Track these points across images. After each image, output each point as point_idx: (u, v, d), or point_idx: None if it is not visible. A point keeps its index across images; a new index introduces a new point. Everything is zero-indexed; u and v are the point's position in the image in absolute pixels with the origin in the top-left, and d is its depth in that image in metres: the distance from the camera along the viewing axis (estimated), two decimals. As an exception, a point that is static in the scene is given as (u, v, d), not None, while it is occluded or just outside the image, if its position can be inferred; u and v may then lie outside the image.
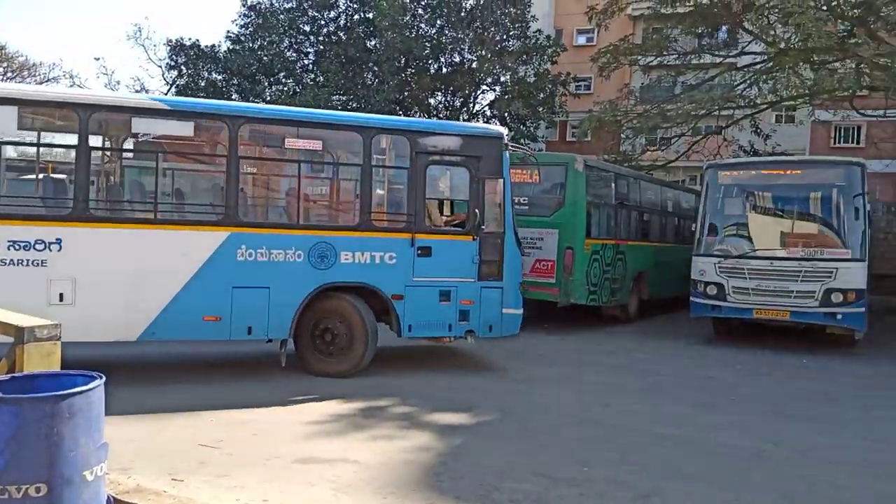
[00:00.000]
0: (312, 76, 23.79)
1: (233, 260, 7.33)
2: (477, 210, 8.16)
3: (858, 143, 28.43)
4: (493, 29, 21.52)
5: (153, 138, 8.00)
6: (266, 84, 23.61)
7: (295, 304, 7.56)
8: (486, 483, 4.73)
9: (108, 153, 8.25)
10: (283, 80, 24.14)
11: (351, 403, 6.78)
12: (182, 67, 24.20)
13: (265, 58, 23.39)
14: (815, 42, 12.95)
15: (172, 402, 6.51)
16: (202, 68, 23.89)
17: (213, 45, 24.13)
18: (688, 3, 17.02)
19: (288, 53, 24.22)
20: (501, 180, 8.30)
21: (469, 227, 8.25)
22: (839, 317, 10.27)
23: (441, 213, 9.00)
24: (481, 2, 21.71)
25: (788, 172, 11.53)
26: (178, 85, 24.14)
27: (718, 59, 19.19)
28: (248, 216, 7.84)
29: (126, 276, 7.02)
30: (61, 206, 7.13)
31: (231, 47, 24.03)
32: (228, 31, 25.35)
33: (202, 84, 23.24)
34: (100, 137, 8.04)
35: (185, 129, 7.61)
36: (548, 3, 31.41)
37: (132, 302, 7.04)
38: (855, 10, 14.79)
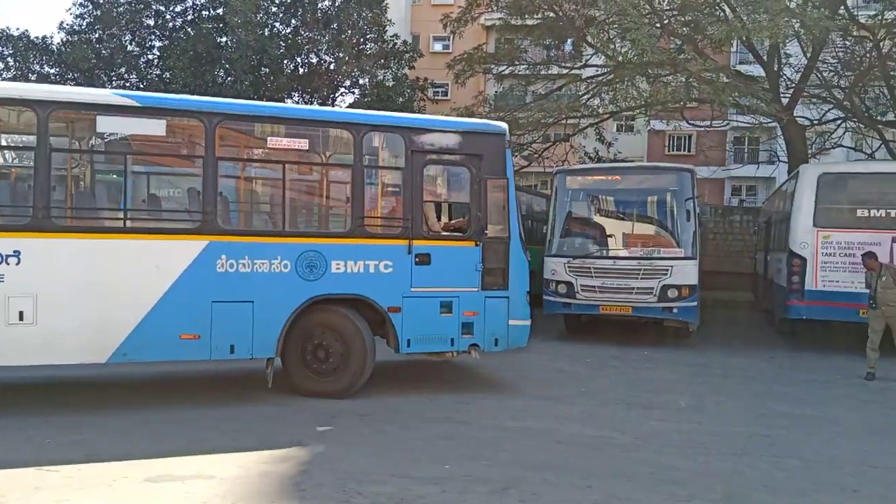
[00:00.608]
0: (158, 72, 22.51)
1: (212, 271, 6.70)
2: (479, 213, 7.57)
3: (689, 150, 30.99)
4: (350, 31, 21.38)
5: (121, 138, 7.27)
6: (105, 79, 22.05)
7: (282, 318, 6.95)
8: (348, 488, 4.69)
9: (71, 155, 7.50)
10: (125, 75, 22.66)
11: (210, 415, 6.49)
12: (9, 59, 22.08)
13: (104, 51, 21.85)
14: (650, 57, 13.97)
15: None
16: (33, 61, 21.91)
17: (44, 37, 22.22)
18: (536, 17, 17.81)
19: (130, 47, 22.76)
20: (505, 180, 7.71)
21: (471, 231, 7.64)
22: (675, 311, 11.12)
23: (440, 217, 8.28)
24: (337, 3, 21.52)
25: (628, 178, 12.36)
26: (3, 79, 21.99)
27: (565, 71, 20.21)
28: (228, 223, 7.28)
29: (93, 291, 6.38)
30: (19, 214, 6.41)
31: (66, 39, 22.23)
32: (62, 22, 23.42)
33: (33, 78, 21.28)
34: (61, 138, 7.28)
35: (156, 127, 6.90)
36: (404, 9, 31.70)
37: (101, 320, 6.39)
38: (684, 29, 16.10)
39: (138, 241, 6.61)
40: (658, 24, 15.65)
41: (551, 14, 17.19)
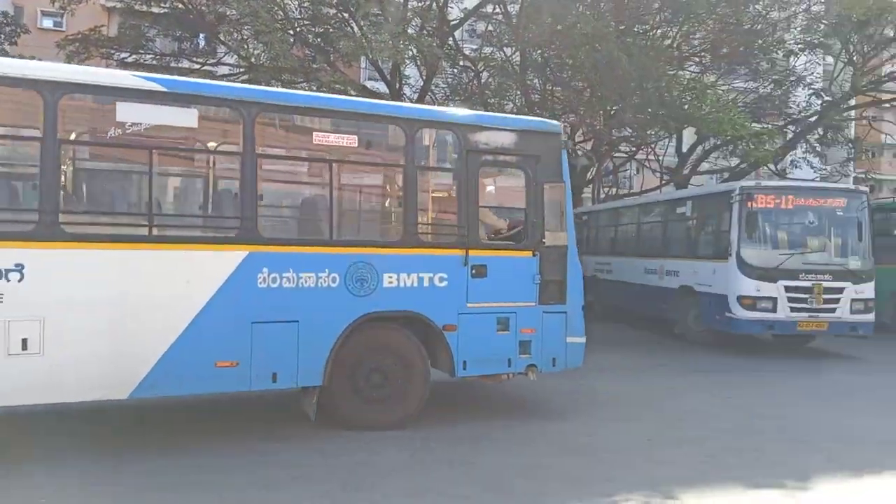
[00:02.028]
0: None
1: (252, 287, 5.84)
2: (536, 219, 6.97)
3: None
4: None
5: (145, 130, 6.13)
6: None
7: (330, 340, 6.15)
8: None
9: (85, 150, 6.52)
10: None
11: None
12: None
13: None
14: (283, 62, 14.19)
15: None
16: None
17: None
18: (164, 5, 16.82)
19: None
20: (563, 184, 7.09)
21: (528, 240, 6.97)
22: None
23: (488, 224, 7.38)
24: None
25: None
26: None
27: (197, 66, 19.43)
28: (270, 231, 6.40)
29: (113, 312, 5.40)
30: (21, 219, 5.39)
31: None
32: None
33: None
34: (73, 128, 6.08)
35: (186, 118, 5.96)
36: (4, -26, 27.22)
37: (122, 347, 5.42)
38: (317, 39, 16.70)
39: (166, 252, 5.68)
40: (291, 31, 15.99)
41: (180, 5, 16.38)
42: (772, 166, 21.74)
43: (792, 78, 19.22)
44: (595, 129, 16.49)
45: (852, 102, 21.21)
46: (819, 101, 20.37)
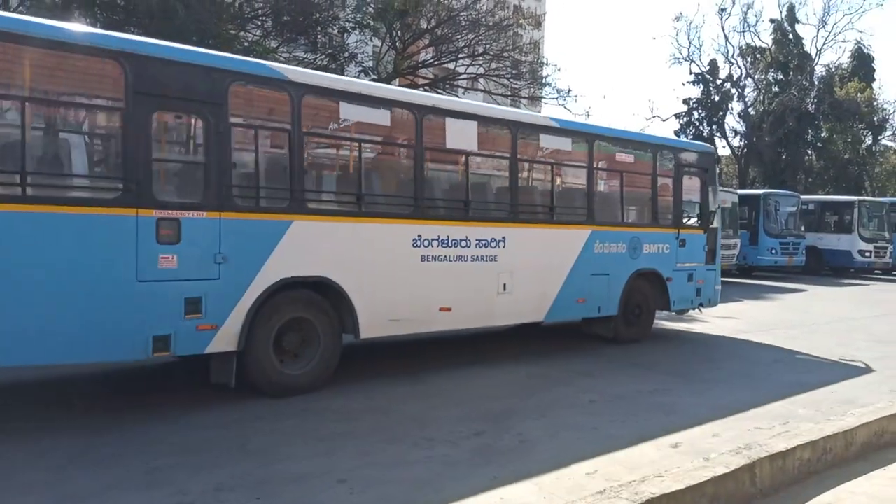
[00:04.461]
0: None
1: (592, 252, 9.21)
2: (706, 211, 10.86)
3: None
4: None
5: (549, 152, 9.50)
6: None
7: (621, 287, 9.58)
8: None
9: (527, 164, 9.76)
10: None
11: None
12: None
13: None
14: None
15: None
16: None
17: None
18: None
19: None
20: (716, 188, 11.26)
21: (703, 224, 10.81)
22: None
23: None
24: None
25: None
26: None
27: None
28: (599, 217, 9.47)
29: (538, 267, 8.62)
30: (504, 210, 8.47)
31: None
32: None
33: None
34: (517, 150, 8.75)
35: (563, 144, 9.29)
36: None
37: (542, 289, 8.69)
38: None
39: (560, 230, 8.98)
40: None
41: None
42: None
43: (346, 54, 20.69)
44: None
45: (396, 83, 23.91)
46: (367, 80, 22.45)
